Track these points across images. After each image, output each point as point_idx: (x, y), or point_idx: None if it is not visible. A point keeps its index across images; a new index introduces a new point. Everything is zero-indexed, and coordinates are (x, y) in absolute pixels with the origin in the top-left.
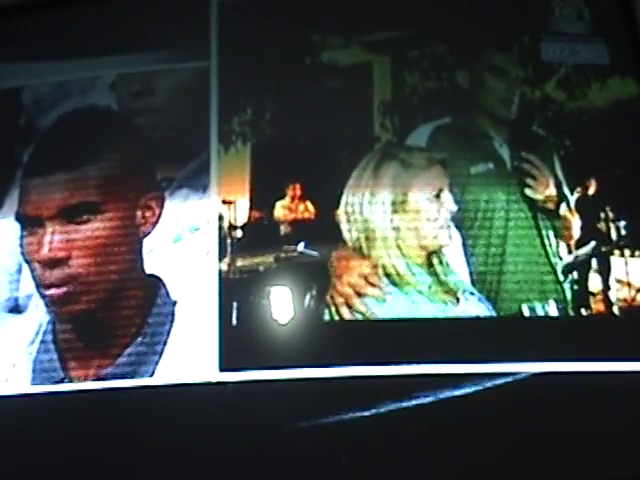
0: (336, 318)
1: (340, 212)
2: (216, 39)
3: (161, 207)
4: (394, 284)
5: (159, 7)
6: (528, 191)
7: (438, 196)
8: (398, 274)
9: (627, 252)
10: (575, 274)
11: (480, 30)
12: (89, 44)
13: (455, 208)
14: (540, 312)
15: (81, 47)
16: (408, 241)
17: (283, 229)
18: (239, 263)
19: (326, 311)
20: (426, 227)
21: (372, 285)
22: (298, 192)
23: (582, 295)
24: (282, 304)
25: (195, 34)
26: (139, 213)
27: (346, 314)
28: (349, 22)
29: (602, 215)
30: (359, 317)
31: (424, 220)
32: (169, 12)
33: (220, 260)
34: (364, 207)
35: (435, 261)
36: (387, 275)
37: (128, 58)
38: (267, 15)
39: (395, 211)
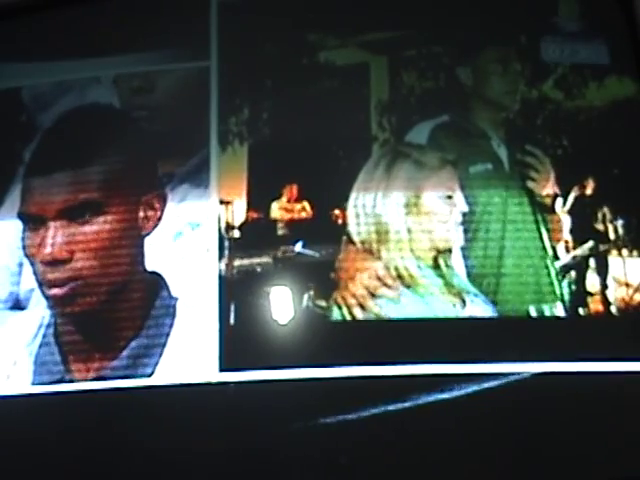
0: (347, 317)
1: (349, 213)
2: (216, 39)
3: (163, 205)
4: (406, 286)
5: (159, 7)
6: (530, 184)
7: (450, 197)
8: (410, 276)
9: (625, 252)
10: (573, 274)
11: (480, 30)
12: (89, 44)
13: (467, 209)
14: (540, 312)
15: (81, 47)
16: (421, 242)
17: (280, 229)
18: (237, 263)
19: (335, 310)
20: (438, 228)
21: (387, 286)
22: (295, 192)
23: (580, 295)
24: (281, 304)
25: (195, 34)
26: (141, 212)
27: (359, 315)
28: (346, 22)
29: (600, 215)
30: (372, 318)
31: (437, 221)
32: (169, 12)
33: (219, 260)
34: (376, 207)
35: (442, 263)
36: (400, 276)
37: (128, 58)
38: (266, 15)
39: (409, 212)
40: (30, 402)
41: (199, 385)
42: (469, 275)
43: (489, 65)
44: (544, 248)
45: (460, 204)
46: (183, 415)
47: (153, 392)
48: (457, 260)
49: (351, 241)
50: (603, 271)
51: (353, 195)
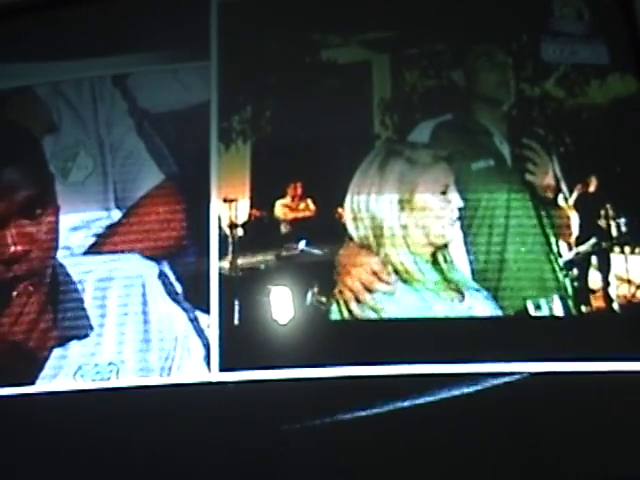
0: (345, 313)
1: (346, 210)
2: (216, 39)
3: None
4: (403, 281)
5: (159, 7)
6: (529, 177)
7: (445, 192)
8: (406, 271)
9: (627, 249)
10: (575, 271)
11: (479, 30)
12: (89, 44)
13: (462, 204)
14: (542, 309)
15: (81, 47)
16: (416, 238)
17: (284, 228)
18: (240, 261)
19: (334, 307)
20: (433, 224)
21: (382, 281)
22: (299, 191)
23: (582, 292)
24: (284, 303)
25: (195, 34)
26: None
27: (355, 309)
28: (348, 21)
29: (602, 212)
30: (368, 312)
31: (431, 217)
32: (169, 12)
33: (221, 259)
34: (371, 205)
35: (440, 258)
36: (396, 272)
37: (128, 58)
38: (267, 14)
39: (402, 209)
40: (31, 401)
41: (199, 385)
42: (472, 270)
43: (476, 62)
44: (547, 244)
45: (455, 200)
46: (182, 415)
47: (153, 392)
48: (459, 255)
49: (351, 239)
50: (605, 268)
51: (349, 193)
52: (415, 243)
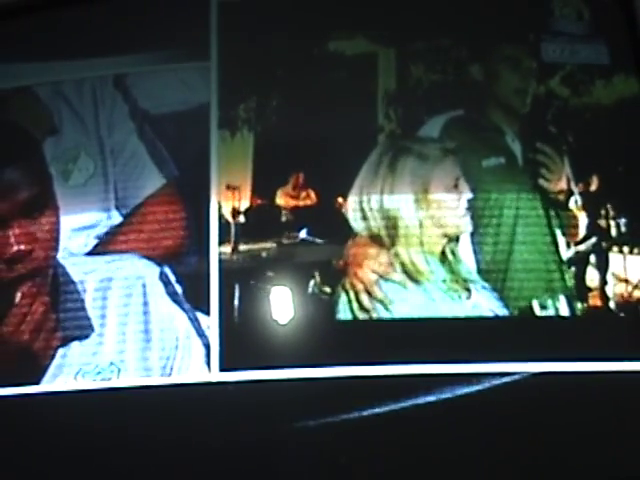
0: (352, 307)
1: (354, 207)
2: (216, 39)
3: None
4: (410, 275)
5: (159, 7)
6: (541, 181)
7: (456, 185)
8: (414, 265)
9: (626, 249)
10: (574, 269)
11: (481, 30)
12: (89, 44)
13: (472, 195)
14: (546, 308)
15: (81, 47)
16: (431, 233)
17: (284, 216)
18: (241, 248)
19: (340, 301)
20: (448, 217)
21: (388, 277)
22: (301, 180)
23: (580, 290)
24: (285, 295)
25: (195, 34)
26: None
27: (362, 303)
28: (355, 13)
29: (603, 212)
30: (376, 306)
31: (446, 211)
32: (169, 12)
33: (221, 245)
34: (384, 203)
35: (449, 253)
36: (403, 267)
37: (128, 58)
38: (267, 14)
39: (418, 205)
40: (34, 401)
41: (199, 385)
42: (478, 266)
43: (499, 62)
44: (553, 243)
45: (465, 192)
46: (182, 415)
47: (152, 392)
48: (466, 250)
49: (355, 233)
50: (603, 267)
51: (357, 192)
52: (429, 239)
